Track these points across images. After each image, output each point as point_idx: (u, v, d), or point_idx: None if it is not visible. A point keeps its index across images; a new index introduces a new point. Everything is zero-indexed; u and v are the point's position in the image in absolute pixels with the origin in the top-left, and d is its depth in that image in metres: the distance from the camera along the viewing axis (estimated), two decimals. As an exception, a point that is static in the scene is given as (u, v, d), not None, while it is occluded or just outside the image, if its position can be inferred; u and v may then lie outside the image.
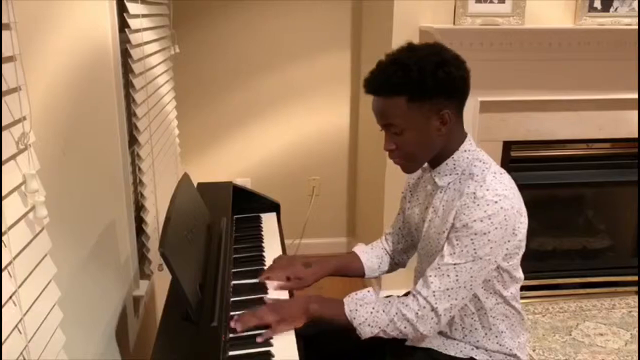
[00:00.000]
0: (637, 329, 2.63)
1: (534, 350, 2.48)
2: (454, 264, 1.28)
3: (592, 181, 2.93)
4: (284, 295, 1.49)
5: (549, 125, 2.75)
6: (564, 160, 2.88)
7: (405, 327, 1.31)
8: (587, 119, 2.77)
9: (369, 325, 1.32)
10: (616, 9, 2.65)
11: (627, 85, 2.68)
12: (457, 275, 1.28)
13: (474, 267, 1.28)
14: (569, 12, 2.65)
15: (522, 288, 2.59)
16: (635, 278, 2.89)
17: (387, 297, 1.43)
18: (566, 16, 2.66)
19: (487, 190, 1.27)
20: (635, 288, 2.91)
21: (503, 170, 1.35)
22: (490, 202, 1.26)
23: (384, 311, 1.32)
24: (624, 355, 2.46)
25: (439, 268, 1.30)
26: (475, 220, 1.26)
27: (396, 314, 1.31)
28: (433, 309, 1.29)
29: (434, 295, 1.29)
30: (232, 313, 1.36)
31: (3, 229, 0.83)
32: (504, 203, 1.26)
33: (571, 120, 2.76)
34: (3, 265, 0.82)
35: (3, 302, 0.81)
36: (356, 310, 1.33)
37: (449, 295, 1.29)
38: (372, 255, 1.65)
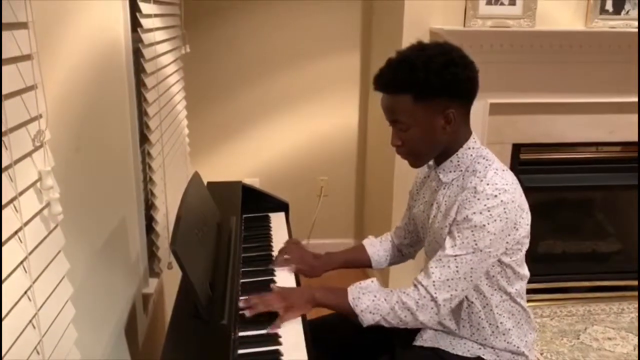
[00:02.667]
0: (646, 333, 2.62)
1: (542, 354, 2.47)
2: (455, 256, 1.30)
3: (601, 184, 2.92)
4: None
5: (558, 128, 2.74)
6: (574, 163, 2.87)
7: (405, 316, 1.33)
8: (597, 122, 2.76)
9: (370, 312, 1.34)
10: (628, 11, 2.64)
11: (637, 89, 2.66)
12: (457, 267, 1.30)
13: (474, 259, 1.30)
14: (580, 14, 2.65)
15: (531, 291, 2.57)
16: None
17: None
18: (577, 19, 2.65)
19: (488, 184, 1.31)
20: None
21: (506, 168, 1.38)
22: (490, 196, 1.29)
23: (385, 299, 1.34)
24: (633, 360, 2.45)
25: (440, 259, 1.32)
26: (475, 213, 1.29)
27: (397, 302, 1.33)
28: (433, 299, 1.31)
29: (434, 285, 1.31)
30: (241, 312, 1.36)
31: (19, 225, 0.84)
32: (503, 197, 1.29)
33: (581, 123, 2.75)
34: (19, 261, 0.83)
35: (19, 297, 0.82)
36: (359, 298, 1.35)
37: (449, 286, 1.31)
38: (379, 248, 1.70)
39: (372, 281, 1.39)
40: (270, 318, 1.33)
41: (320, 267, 1.66)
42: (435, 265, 1.32)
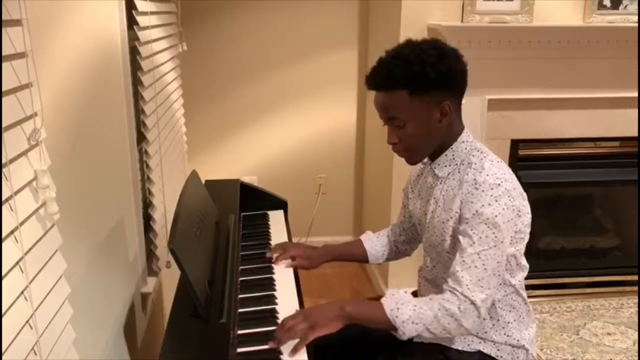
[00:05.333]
0: (645, 328, 2.62)
1: (541, 350, 2.47)
2: (477, 253, 1.28)
3: (600, 180, 2.91)
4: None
5: (556, 123, 2.73)
6: (572, 159, 2.87)
7: (449, 323, 1.27)
8: (595, 118, 2.75)
9: (412, 322, 1.27)
10: (626, 6, 2.63)
11: (635, 84, 2.66)
12: (484, 264, 1.28)
13: (497, 252, 1.28)
14: (578, 9, 2.64)
15: (530, 287, 2.55)
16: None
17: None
18: (575, 14, 2.64)
19: (487, 175, 1.31)
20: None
21: (499, 159, 1.39)
22: (493, 186, 1.29)
23: (427, 307, 1.28)
24: (632, 355, 2.44)
25: (464, 261, 1.29)
26: (484, 206, 1.28)
27: (439, 309, 1.27)
28: (472, 302, 1.27)
29: (469, 289, 1.27)
30: (240, 310, 1.36)
31: (15, 224, 0.83)
32: (506, 185, 1.30)
33: (579, 118, 2.74)
34: (15, 261, 0.82)
35: (15, 297, 0.82)
36: (398, 308, 1.28)
37: (482, 286, 1.28)
38: (376, 243, 1.70)
39: (405, 292, 1.34)
40: (269, 315, 1.32)
41: (318, 257, 1.65)
42: (461, 268, 1.28)
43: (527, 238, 1.40)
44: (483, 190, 1.29)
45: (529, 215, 1.37)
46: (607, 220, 3.07)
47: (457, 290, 1.28)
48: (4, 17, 0.80)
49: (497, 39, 2.53)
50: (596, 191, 3.03)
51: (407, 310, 1.28)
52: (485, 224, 1.28)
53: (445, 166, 1.41)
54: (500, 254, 1.29)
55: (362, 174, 3.38)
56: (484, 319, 1.41)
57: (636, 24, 2.58)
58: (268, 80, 3.15)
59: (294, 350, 1.21)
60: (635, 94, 2.68)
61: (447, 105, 1.34)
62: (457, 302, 1.27)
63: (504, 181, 1.30)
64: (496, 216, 1.28)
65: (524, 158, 2.79)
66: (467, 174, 1.34)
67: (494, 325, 1.42)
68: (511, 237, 1.33)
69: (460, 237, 1.31)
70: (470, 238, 1.29)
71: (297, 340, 1.24)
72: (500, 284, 1.39)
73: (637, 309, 2.79)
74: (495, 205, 1.28)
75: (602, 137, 2.82)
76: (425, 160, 1.47)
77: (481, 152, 1.38)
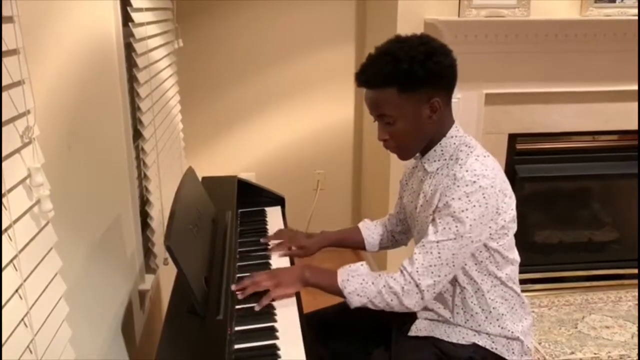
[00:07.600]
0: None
1: (539, 343, 2.47)
2: (437, 242, 1.32)
3: (598, 173, 2.92)
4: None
5: (554, 117, 2.73)
6: (570, 153, 2.87)
7: (391, 300, 1.35)
8: (593, 111, 2.75)
9: (357, 295, 1.36)
10: (623, -1, 2.63)
11: (633, 77, 2.66)
12: (439, 253, 1.32)
13: (455, 244, 1.31)
14: (575, 3, 2.64)
15: (528, 281, 2.56)
16: (642, 271, 2.88)
17: None
18: (572, 7, 2.64)
19: (467, 171, 1.32)
20: (642, 281, 2.90)
21: (487, 154, 1.39)
22: (468, 182, 1.30)
23: (372, 283, 1.36)
24: (631, 348, 2.45)
25: (423, 246, 1.34)
26: (454, 199, 1.30)
27: (384, 286, 1.35)
28: (417, 285, 1.33)
29: (417, 272, 1.33)
30: (237, 307, 1.36)
31: (9, 223, 0.83)
32: (482, 182, 1.30)
33: (577, 112, 2.74)
34: (9, 259, 0.82)
35: (9, 295, 0.81)
36: (348, 280, 1.37)
37: (432, 272, 1.33)
38: (374, 232, 1.74)
39: (361, 264, 1.41)
40: (266, 312, 1.33)
41: (313, 245, 1.70)
42: (418, 251, 1.34)
43: (512, 233, 1.41)
44: (458, 186, 1.31)
45: (513, 212, 1.38)
46: (606, 213, 3.07)
47: (407, 271, 1.34)
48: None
49: (494, 33, 2.53)
50: (594, 185, 3.03)
51: (355, 282, 1.37)
52: (451, 216, 1.31)
53: (435, 161, 1.42)
54: (459, 247, 1.32)
55: (360, 170, 3.38)
56: (476, 312, 1.42)
57: (634, 17, 2.57)
58: (265, 77, 3.14)
59: (259, 305, 1.34)
60: (633, 87, 2.68)
61: (437, 102, 1.34)
62: (403, 282, 1.34)
63: (482, 178, 1.30)
64: (463, 211, 1.30)
65: (521, 152, 2.78)
66: (452, 169, 1.36)
67: (487, 317, 1.43)
68: (490, 234, 1.35)
69: (430, 223, 1.35)
70: (436, 227, 1.33)
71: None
72: (485, 276, 1.41)
73: (635, 302, 2.79)
74: (465, 201, 1.30)
75: (601, 130, 2.82)
76: (417, 154, 1.47)
77: (469, 147, 1.38)
